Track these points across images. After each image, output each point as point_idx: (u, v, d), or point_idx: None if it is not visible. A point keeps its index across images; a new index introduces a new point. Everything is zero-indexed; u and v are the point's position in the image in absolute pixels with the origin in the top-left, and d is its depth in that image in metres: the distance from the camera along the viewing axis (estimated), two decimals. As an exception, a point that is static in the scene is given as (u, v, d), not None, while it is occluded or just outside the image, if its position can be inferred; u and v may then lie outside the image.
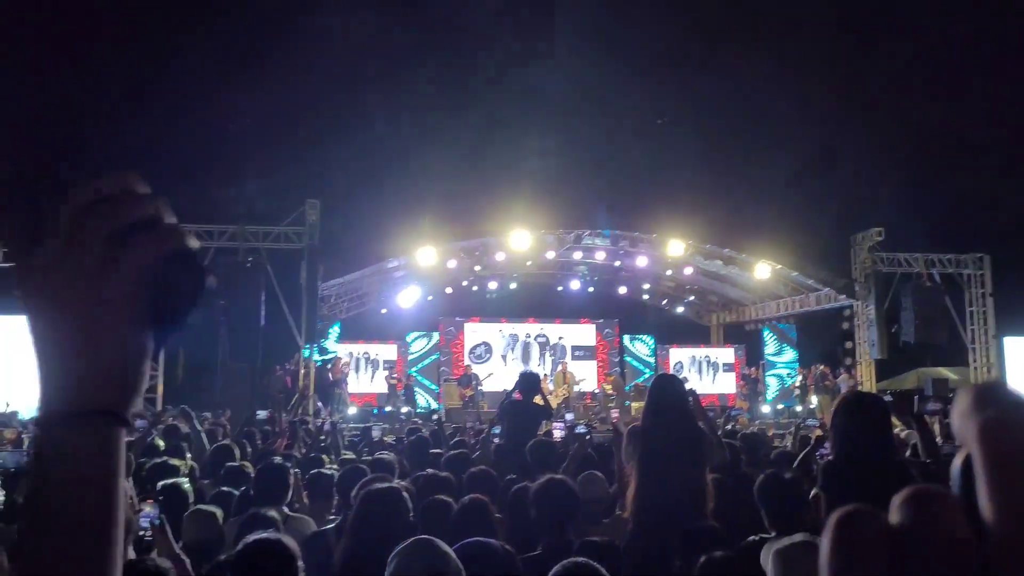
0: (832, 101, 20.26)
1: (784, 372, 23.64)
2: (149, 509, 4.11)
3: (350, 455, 7.60)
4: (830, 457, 3.39)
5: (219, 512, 4.54)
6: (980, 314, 19.48)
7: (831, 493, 3.11)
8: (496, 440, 7.18)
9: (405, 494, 3.12)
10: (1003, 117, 19.54)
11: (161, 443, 6.89)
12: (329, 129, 18.35)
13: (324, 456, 7.12)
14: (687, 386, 4.98)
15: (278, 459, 5.54)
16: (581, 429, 6.35)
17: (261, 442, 8.00)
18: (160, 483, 4.73)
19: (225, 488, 5.51)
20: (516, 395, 6.98)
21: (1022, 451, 0.40)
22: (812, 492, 3.54)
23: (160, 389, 17.74)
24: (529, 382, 7.06)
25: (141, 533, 3.67)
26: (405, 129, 19.05)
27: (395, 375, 21.78)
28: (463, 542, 2.49)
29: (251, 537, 2.55)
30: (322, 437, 8.65)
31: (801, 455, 5.46)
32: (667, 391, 4.19)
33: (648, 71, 18.93)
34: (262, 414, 10.40)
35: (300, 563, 2.50)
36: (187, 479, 5.23)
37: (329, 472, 5.52)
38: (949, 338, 19.46)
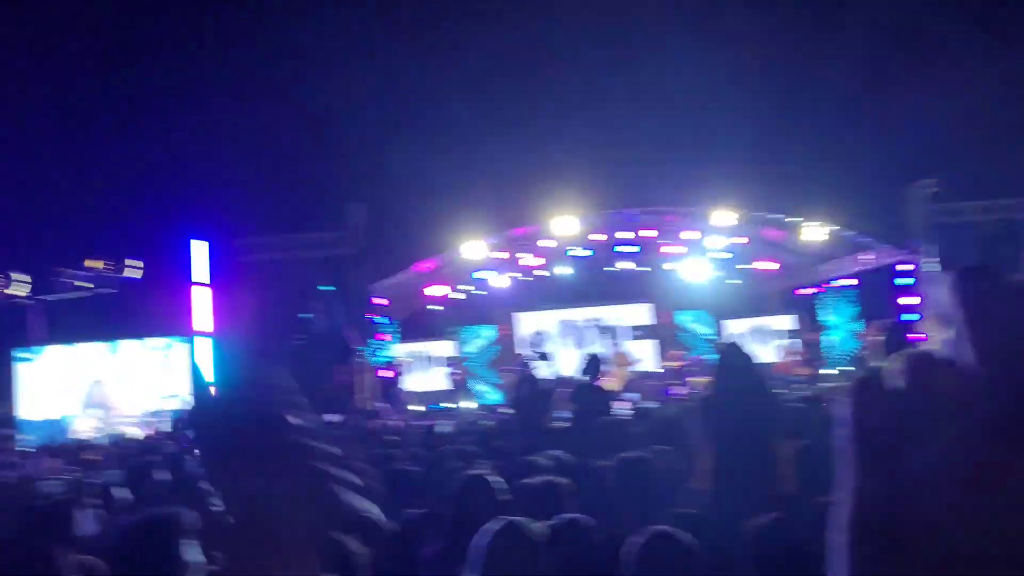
0: (878, 49, 19.74)
1: (843, 335, 23.21)
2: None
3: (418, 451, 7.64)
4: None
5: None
6: (1047, 259, 18.92)
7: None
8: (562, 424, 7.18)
9: (494, 479, 3.13)
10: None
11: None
12: (367, 130, 18.44)
13: (395, 453, 7.16)
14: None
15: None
16: (649, 406, 6.30)
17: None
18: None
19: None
20: (582, 377, 6.96)
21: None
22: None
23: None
24: (594, 364, 7.04)
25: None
26: (444, 124, 19.06)
27: (456, 371, 21.90)
28: (557, 518, 2.48)
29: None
30: (395, 437, 8.71)
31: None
32: (732, 360, 4.13)
33: (689, 39, 18.66)
34: (333, 418, 10.52)
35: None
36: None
37: (401, 469, 5.55)
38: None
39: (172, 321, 18.24)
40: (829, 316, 23.55)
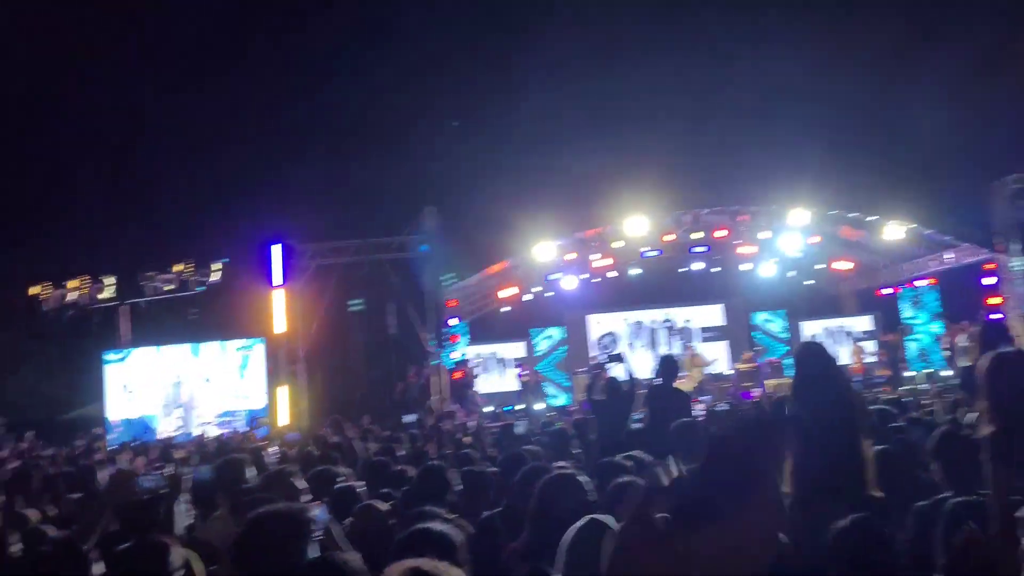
0: (962, 42, 19.21)
1: (925, 336, 22.60)
2: (318, 511, 4.30)
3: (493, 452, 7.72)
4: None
5: (384, 505, 4.69)
6: None
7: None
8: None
9: (582, 477, 3.17)
10: None
11: (315, 450, 7.17)
12: (439, 134, 18.67)
13: (471, 454, 7.25)
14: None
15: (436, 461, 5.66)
16: (723, 407, 6.24)
17: (411, 445, 8.22)
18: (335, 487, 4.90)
19: (385, 490, 5.67)
20: (658, 379, 6.94)
21: None
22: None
23: (304, 404, 18.42)
24: (670, 366, 7.01)
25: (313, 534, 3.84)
26: (514, 127, 19.17)
27: (525, 372, 21.97)
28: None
29: (418, 526, 2.63)
30: (466, 437, 8.81)
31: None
32: (812, 359, 4.08)
33: (766, 37, 18.43)
34: (409, 418, 10.68)
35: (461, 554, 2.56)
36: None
37: (479, 470, 5.61)
38: (1108, 284, 18.23)
39: (251, 323, 18.73)
40: (910, 317, 22.94)
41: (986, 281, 18.95)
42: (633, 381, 7.46)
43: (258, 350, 18.90)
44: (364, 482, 6.50)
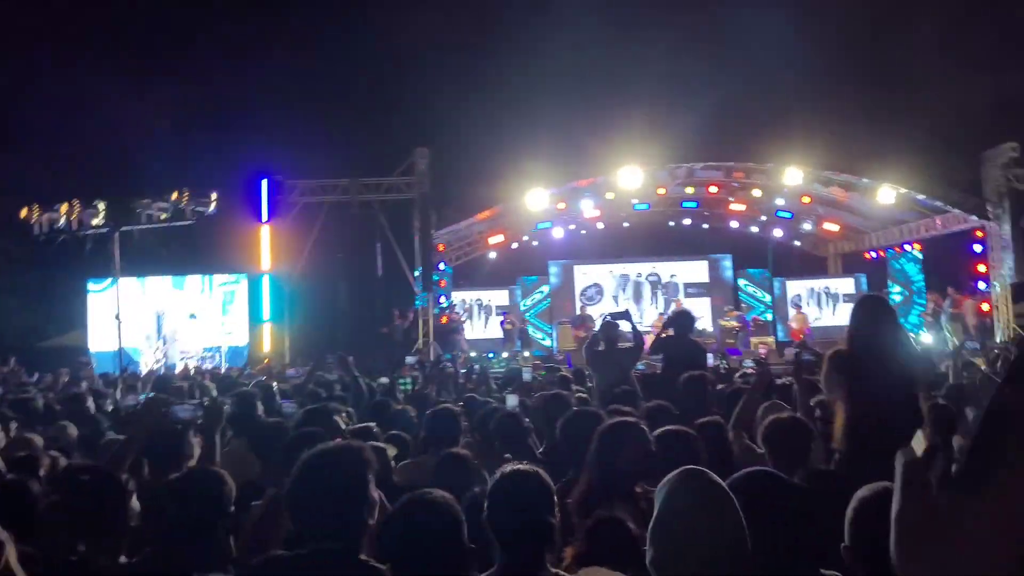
0: (955, 13, 19.08)
1: (909, 300, 22.78)
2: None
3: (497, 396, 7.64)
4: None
5: (393, 450, 4.58)
6: (1126, 229, 18.29)
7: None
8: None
9: (644, 424, 3.08)
10: None
11: (321, 390, 7.06)
12: (435, 77, 18.29)
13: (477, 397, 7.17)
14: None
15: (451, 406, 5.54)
16: (749, 363, 6.18)
17: (411, 386, 8.13)
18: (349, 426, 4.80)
19: (395, 432, 5.57)
20: (668, 332, 6.87)
21: None
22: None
23: (287, 343, 18.28)
24: (686, 319, 6.94)
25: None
26: (511, 72, 18.83)
27: (510, 319, 21.92)
28: (745, 472, 2.41)
29: (509, 468, 2.52)
30: (466, 382, 8.73)
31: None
32: (876, 312, 4.00)
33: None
34: (411, 359, 10.57)
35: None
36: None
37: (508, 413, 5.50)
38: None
39: (236, 258, 18.46)
40: (895, 281, 23.10)
41: (976, 248, 19.07)
42: (637, 336, 7.38)
43: (242, 286, 18.68)
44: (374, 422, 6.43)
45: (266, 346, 17.79)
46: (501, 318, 22.45)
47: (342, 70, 18.17)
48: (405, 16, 17.92)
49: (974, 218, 18.79)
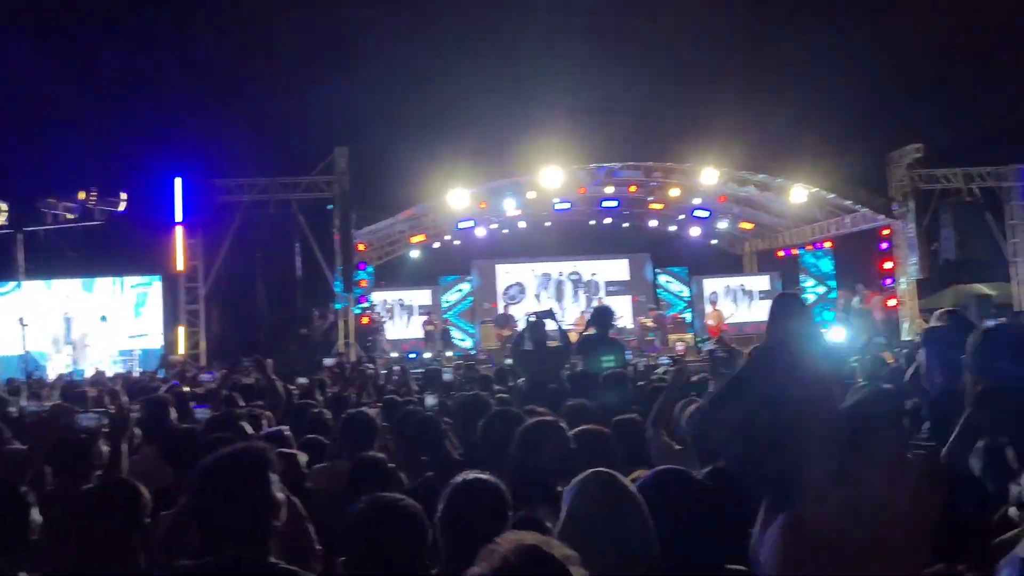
0: (865, 16, 19.73)
1: (820, 296, 23.47)
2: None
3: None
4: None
5: (304, 457, 4.52)
6: (1021, 228, 19.18)
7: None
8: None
9: (564, 425, 3.09)
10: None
11: (237, 394, 6.91)
12: (354, 75, 18.07)
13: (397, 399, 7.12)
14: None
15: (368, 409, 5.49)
16: (665, 360, 6.28)
17: (331, 389, 8.02)
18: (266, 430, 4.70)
19: (312, 436, 5.48)
20: (590, 330, 6.93)
21: None
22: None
23: (203, 345, 17.88)
24: (604, 316, 7.00)
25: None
26: (432, 71, 18.75)
27: (432, 320, 21.85)
28: (656, 471, 2.44)
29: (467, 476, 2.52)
30: (386, 384, 8.66)
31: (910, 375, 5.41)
32: (791, 309, 4.10)
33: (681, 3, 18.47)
34: (329, 361, 10.42)
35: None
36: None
37: (421, 414, 5.47)
38: (990, 254, 19.26)
39: (149, 260, 17.96)
40: (808, 276, 23.78)
41: (883, 246, 19.76)
42: (564, 336, 7.42)
43: (156, 287, 18.18)
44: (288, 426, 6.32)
45: (181, 349, 17.35)
46: (424, 318, 22.36)
47: (260, 67, 17.82)
48: (323, 13, 17.68)
49: (881, 217, 19.48)
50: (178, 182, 17.06)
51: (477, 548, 1.56)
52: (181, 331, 17.61)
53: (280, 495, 2.36)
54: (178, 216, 17.12)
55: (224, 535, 2.25)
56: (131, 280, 18.26)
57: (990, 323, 3.61)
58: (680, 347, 11.10)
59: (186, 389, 7.22)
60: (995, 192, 19.08)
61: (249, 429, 4.30)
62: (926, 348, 5.00)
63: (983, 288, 21.86)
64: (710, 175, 18.81)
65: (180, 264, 17.41)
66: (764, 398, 3.96)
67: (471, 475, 2.51)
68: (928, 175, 18.76)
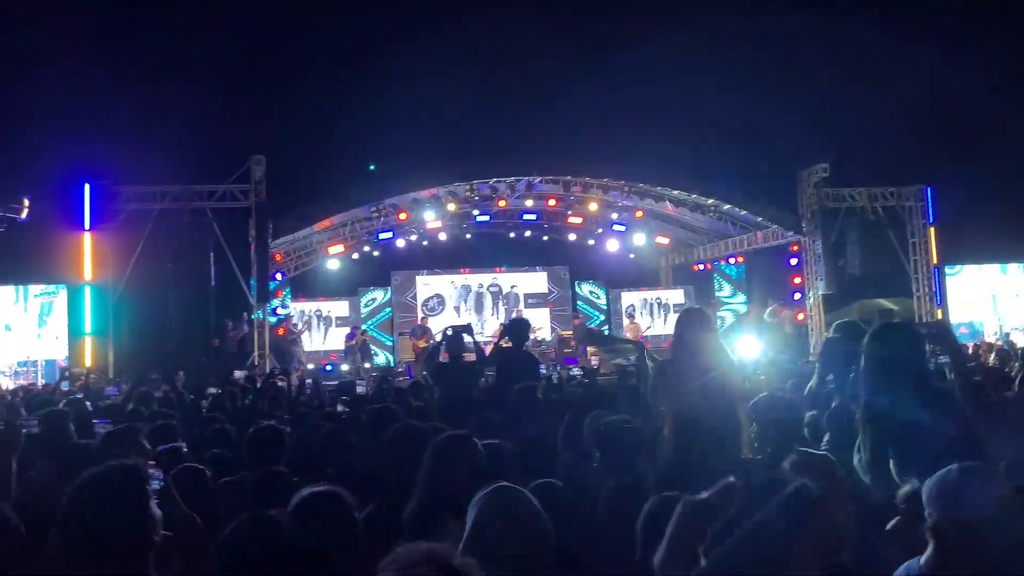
0: (776, 39, 20.38)
1: (734, 310, 24.05)
2: (152, 471, 4.00)
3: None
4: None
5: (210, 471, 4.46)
6: (922, 245, 20.00)
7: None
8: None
9: (476, 440, 3.10)
10: (939, 50, 19.92)
11: (143, 408, 6.73)
12: (272, 83, 17.84)
13: (309, 412, 7.03)
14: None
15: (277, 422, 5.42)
16: (577, 372, 6.36)
17: (240, 402, 7.87)
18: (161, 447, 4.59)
19: (217, 450, 5.39)
20: (505, 343, 6.96)
21: None
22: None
23: (110, 357, 17.32)
24: (520, 329, 7.04)
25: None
26: (352, 81, 18.63)
27: (354, 336, 21.61)
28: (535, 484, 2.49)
29: (307, 490, 2.53)
30: (299, 396, 8.54)
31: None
32: (697, 324, 4.21)
33: (596, 15, 18.77)
34: (239, 374, 10.21)
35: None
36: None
37: (332, 429, 5.42)
38: (893, 270, 20.03)
39: (54, 268, 17.35)
40: (720, 292, 24.33)
41: (792, 261, 20.37)
42: (480, 351, 7.43)
43: (61, 297, 17.57)
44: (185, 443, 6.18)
45: (88, 361, 16.77)
46: (349, 330, 22.12)
47: (174, 73, 17.43)
48: (238, 22, 17.42)
49: (791, 233, 20.09)
50: (87, 188, 16.55)
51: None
52: (87, 342, 17.04)
53: (157, 511, 2.35)
54: (86, 223, 16.60)
55: (98, 554, 2.22)
56: (35, 289, 17.62)
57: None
58: (595, 360, 11.23)
59: (87, 403, 6.99)
60: (897, 211, 19.87)
61: (147, 445, 4.20)
62: (822, 360, 5.18)
63: (886, 303, 22.70)
64: (627, 190, 19.14)
65: (88, 273, 16.88)
66: (670, 412, 4.08)
67: (312, 489, 2.55)
68: (835, 194, 19.43)
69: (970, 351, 14.56)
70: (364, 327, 22.87)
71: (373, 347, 22.60)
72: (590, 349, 20.99)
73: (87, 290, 16.99)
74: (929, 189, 19.75)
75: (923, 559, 2.30)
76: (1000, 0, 18.63)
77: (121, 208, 17.13)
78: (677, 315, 4.31)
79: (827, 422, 5.05)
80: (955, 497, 2.21)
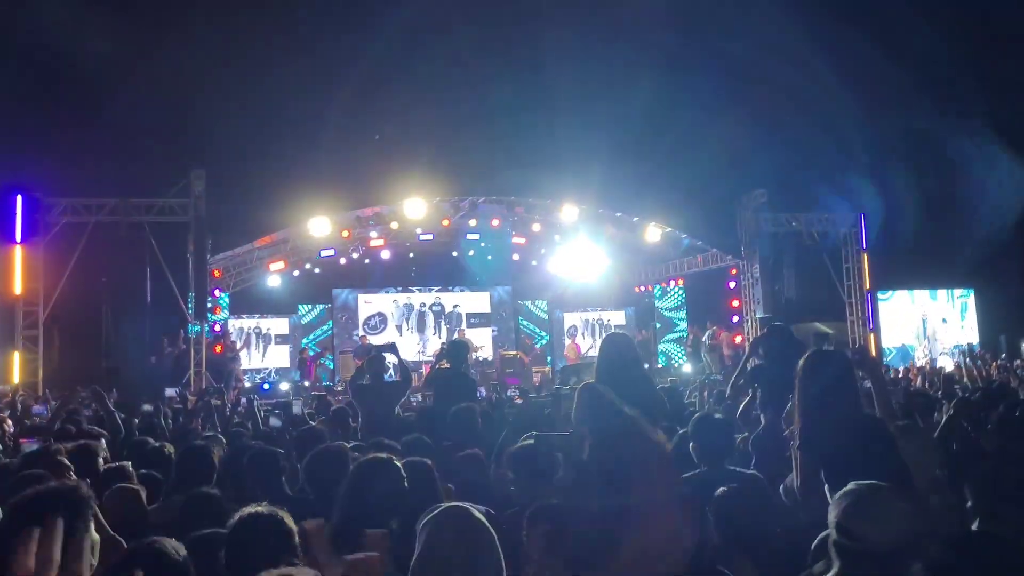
0: (717, 65, 20.80)
1: (670, 332, 24.36)
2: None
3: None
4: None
5: (143, 491, 4.43)
6: (855, 271, 20.54)
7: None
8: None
9: (398, 462, 3.11)
10: (871, 84, 20.52)
11: (72, 427, 6.58)
12: (212, 95, 17.61)
13: (243, 431, 6.95)
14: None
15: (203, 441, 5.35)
16: (513, 392, 6.38)
17: (172, 421, 7.74)
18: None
19: (145, 471, 5.30)
20: (443, 364, 6.96)
21: None
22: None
23: (40, 373, 16.86)
24: (458, 350, 7.04)
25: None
26: (294, 95, 18.49)
27: (292, 349, 21.37)
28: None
29: (248, 511, 2.51)
30: (232, 415, 8.42)
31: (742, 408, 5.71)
32: (619, 349, 4.28)
33: (555, 34, 18.95)
34: (171, 392, 10.03)
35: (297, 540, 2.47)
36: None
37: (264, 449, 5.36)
38: (828, 294, 20.53)
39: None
40: (660, 314, 24.63)
41: (731, 284, 20.75)
42: (404, 371, 7.40)
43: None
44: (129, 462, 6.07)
45: (16, 378, 16.30)
46: (281, 347, 21.86)
47: (112, 82, 17.11)
48: (178, 31, 17.19)
49: (730, 257, 20.48)
50: (19, 200, 16.15)
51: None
52: (16, 358, 16.57)
53: (95, 534, 2.28)
54: (17, 236, 16.19)
55: None
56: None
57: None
58: (536, 379, 11.29)
59: (8, 423, 6.81)
60: (832, 237, 20.39)
61: (68, 464, 4.11)
62: (750, 349, 5.29)
63: (822, 327, 23.18)
64: (570, 212, 19.33)
65: (18, 287, 16.45)
66: (590, 434, 4.13)
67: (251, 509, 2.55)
68: (772, 219, 19.86)
69: (901, 374, 14.99)
70: (304, 343, 22.67)
71: (315, 364, 22.39)
72: (535, 368, 21.10)
73: (17, 305, 16.55)
74: (862, 216, 20.31)
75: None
76: (931, 29, 19.26)
77: (55, 221, 16.75)
78: (600, 341, 4.38)
79: (752, 445, 5.17)
80: (855, 515, 2.29)
